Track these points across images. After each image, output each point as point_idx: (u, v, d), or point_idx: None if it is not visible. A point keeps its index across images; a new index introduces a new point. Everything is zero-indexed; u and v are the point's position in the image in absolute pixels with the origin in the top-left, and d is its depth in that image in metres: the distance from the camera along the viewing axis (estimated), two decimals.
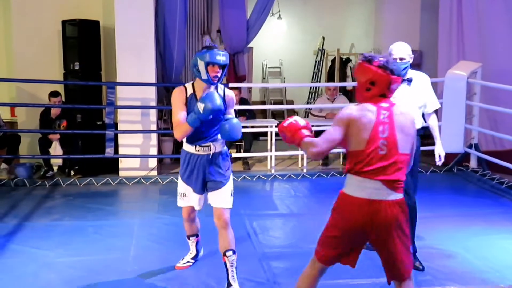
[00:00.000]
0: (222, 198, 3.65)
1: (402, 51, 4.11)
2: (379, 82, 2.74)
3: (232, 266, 3.66)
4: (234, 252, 3.66)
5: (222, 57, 3.47)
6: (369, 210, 2.70)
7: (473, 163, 7.47)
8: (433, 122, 4.30)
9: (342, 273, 4.01)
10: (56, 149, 7.08)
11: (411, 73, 4.19)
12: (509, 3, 7.17)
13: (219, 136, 3.65)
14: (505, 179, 6.71)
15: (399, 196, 2.74)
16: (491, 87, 6.96)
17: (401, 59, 4.06)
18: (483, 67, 7.15)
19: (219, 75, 3.49)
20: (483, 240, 4.73)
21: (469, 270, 4.14)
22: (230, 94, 3.70)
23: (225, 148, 3.75)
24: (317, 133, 8.90)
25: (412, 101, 4.15)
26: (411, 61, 4.13)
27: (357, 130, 2.71)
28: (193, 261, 4.18)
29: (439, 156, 4.30)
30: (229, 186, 3.69)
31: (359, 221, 2.72)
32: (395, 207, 2.71)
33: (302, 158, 7.80)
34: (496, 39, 7.18)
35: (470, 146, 7.30)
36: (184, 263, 4.15)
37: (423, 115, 4.29)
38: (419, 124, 4.17)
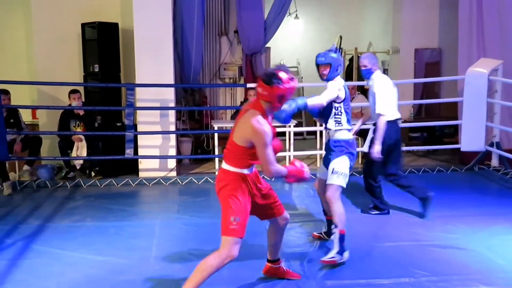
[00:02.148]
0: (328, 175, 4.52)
1: (360, 60, 5.13)
2: None
3: (334, 237, 4.21)
4: (335, 226, 4.24)
5: (320, 58, 4.37)
6: None
7: (494, 162, 7.38)
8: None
9: (364, 272, 4.03)
10: (83, 148, 7.13)
11: (375, 78, 5.05)
12: None
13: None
14: None
15: (224, 166, 3.53)
16: None
17: (363, 66, 5.08)
18: (504, 64, 7.06)
19: (325, 72, 4.35)
20: (506, 240, 4.68)
21: (493, 270, 4.09)
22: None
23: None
24: None
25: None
26: (369, 67, 5.02)
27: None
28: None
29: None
30: (332, 164, 4.54)
31: None
32: (220, 174, 3.55)
33: (321, 158, 7.75)
34: None
35: (491, 145, 7.20)
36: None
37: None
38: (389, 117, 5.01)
